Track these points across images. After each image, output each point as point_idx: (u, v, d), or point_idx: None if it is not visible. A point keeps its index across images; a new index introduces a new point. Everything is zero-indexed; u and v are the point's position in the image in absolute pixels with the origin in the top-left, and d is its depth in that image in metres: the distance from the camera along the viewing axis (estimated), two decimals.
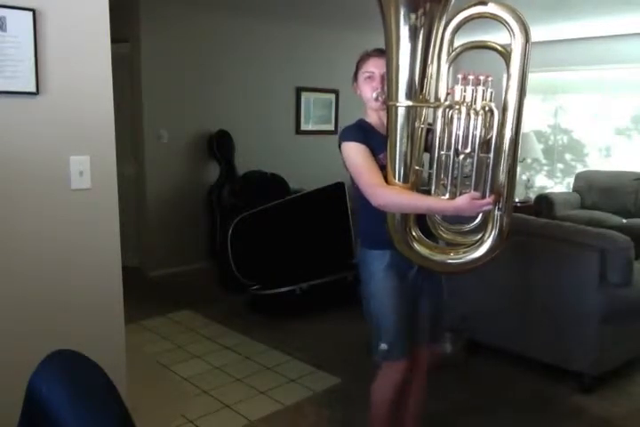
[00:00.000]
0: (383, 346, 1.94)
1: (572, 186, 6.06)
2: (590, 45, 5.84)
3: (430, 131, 1.78)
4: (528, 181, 6.39)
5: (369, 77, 1.90)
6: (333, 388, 2.85)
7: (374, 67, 1.88)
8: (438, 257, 1.80)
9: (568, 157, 6.42)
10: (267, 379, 2.94)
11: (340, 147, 1.91)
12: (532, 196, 6.09)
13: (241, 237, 3.98)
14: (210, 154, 4.97)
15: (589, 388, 2.79)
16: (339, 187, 4.25)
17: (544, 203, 5.67)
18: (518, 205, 5.75)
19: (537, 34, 5.56)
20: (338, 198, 4.27)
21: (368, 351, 2.01)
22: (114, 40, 2.00)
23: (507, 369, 3.05)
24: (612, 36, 5.63)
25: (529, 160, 6.31)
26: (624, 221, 5.23)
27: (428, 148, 1.79)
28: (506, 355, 3.08)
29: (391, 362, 1.97)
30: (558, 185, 6.52)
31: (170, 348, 3.34)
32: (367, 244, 1.99)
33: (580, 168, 6.26)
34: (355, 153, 1.85)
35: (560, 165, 6.50)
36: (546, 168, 6.61)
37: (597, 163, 6.16)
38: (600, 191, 5.71)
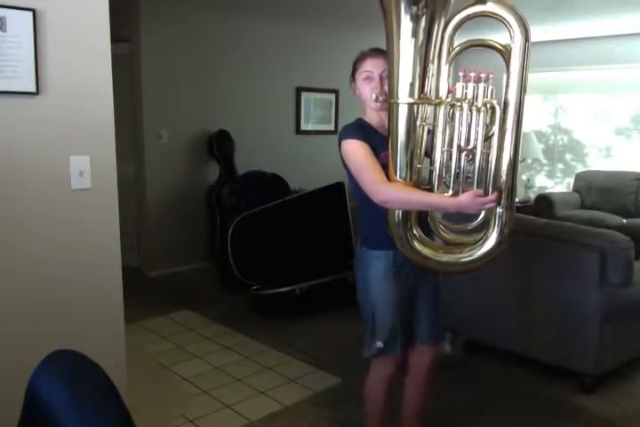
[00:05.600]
0: (379, 344, 1.96)
1: (571, 186, 6.06)
2: (590, 45, 5.84)
3: (430, 132, 1.78)
4: (528, 181, 6.39)
5: (367, 77, 1.90)
6: (333, 388, 2.85)
7: (372, 66, 1.88)
8: (443, 257, 1.80)
9: (568, 156, 6.41)
10: (267, 379, 2.94)
11: (339, 145, 1.91)
12: (532, 196, 6.09)
13: (241, 237, 3.98)
14: (210, 154, 4.97)
15: (589, 388, 2.79)
16: (339, 187, 4.25)
17: (544, 203, 5.67)
18: (518, 205, 5.75)
19: (537, 34, 5.57)
20: (338, 198, 4.27)
21: (360, 348, 2.03)
22: (114, 40, 2.00)
23: (506, 369, 3.05)
24: (612, 36, 5.63)
25: (529, 160, 6.31)
26: (624, 221, 5.23)
27: (428, 151, 1.79)
28: (506, 355, 3.08)
29: (382, 358, 2.01)
30: (558, 185, 6.52)
31: (170, 348, 3.34)
32: (368, 244, 1.98)
33: (580, 168, 6.25)
34: (356, 150, 1.84)
35: (560, 165, 6.50)
36: (546, 168, 6.61)
37: (597, 163, 6.16)
38: (600, 191, 5.71)
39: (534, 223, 2.96)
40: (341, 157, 1.91)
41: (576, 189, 5.95)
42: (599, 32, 5.56)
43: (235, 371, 3.03)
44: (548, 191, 6.34)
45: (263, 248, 4.02)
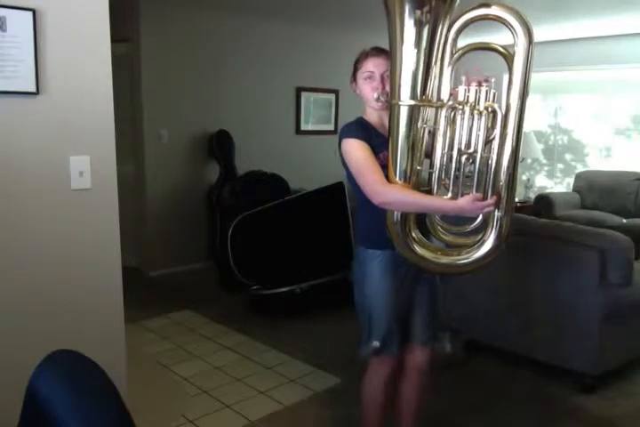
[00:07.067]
0: (375, 343, 1.97)
1: (571, 186, 6.06)
2: (590, 45, 5.83)
3: (430, 134, 1.78)
4: (528, 181, 6.39)
5: (369, 77, 1.90)
6: (333, 388, 2.85)
7: (373, 66, 1.88)
8: (441, 259, 1.81)
9: (568, 157, 6.41)
10: (267, 379, 2.94)
11: (339, 144, 1.91)
12: (532, 196, 6.09)
13: (241, 237, 3.98)
14: (210, 154, 4.97)
15: (589, 388, 2.79)
16: (339, 187, 4.25)
17: (544, 203, 5.67)
18: (518, 205, 5.75)
19: (537, 34, 5.52)
20: (338, 198, 4.26)
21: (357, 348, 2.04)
22: (114, 40, 2.00)
23: (507, 369, 3.05)
24: (612, 36, 5.63)
25: (529, 160, 6.31)
26: (624, 221, 5.23)
27: (428, 153, 1.79)
28: (506, 355, 3.08)
29: (382, 357, 2.01)
30: (558, 185, 6.52)
31: (170, 348, 3.34)
32: (365, 243, 1.98)
33: (580, 168, 6.26)
34: (356, 150, 1.84)
35: (560, 165, 6.50)
36: (546, 168, 6.61)
37: (597, 163, 6.16)
38: (600, 191, 5.71)
39: (534, 223, 2.96)
40: (341, 155, 1.91)
41: (576, 189, 5.95)
42: (599, 32, 5.55)
43: (235, 371, 3.03)
44: (547, 191, 6.34)
45: (263, 248, 4.02)
